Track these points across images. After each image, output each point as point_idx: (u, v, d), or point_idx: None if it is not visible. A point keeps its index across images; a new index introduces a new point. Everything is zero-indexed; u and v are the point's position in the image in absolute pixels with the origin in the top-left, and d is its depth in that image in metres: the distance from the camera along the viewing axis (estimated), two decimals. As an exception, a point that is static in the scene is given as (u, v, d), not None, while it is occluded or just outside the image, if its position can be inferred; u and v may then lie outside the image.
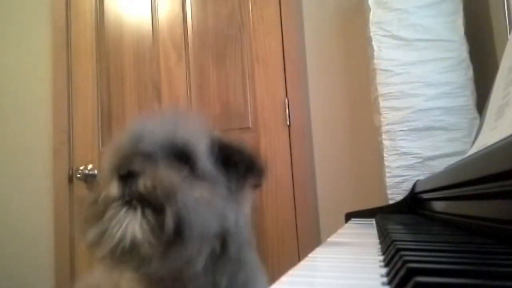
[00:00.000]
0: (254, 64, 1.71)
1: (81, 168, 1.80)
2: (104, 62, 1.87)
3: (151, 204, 0.54)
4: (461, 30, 1.22)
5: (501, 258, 0.31)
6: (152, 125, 0.61)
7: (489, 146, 0.48)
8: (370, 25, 1.28)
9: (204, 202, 0.56)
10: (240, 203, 0.63)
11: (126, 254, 0.53)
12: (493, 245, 0.39)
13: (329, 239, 0.60)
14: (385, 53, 1.25)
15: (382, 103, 1.25)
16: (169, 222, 0.52)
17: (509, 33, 1.06)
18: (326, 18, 1.67)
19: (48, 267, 1.80)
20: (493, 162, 0.38)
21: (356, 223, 0.93)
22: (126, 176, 0.55)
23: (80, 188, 1.82)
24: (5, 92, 1.95)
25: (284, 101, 1.66)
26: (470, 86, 1.20)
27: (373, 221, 0.92)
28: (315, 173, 1.63)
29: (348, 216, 1.10)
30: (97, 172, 1.79)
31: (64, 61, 1.89)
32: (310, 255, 0.44)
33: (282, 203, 1.61)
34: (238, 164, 0.62)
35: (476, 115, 1.18)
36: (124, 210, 0.54)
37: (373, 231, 0.70)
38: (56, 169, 1.83)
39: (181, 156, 0.58)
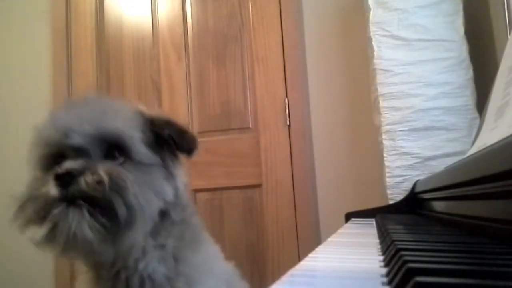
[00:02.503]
0: (254, 64, 1.71)
1: (81, 168, 1.80)
2: (104, 62, 1.87)
3: (95, 201, 0.54)
4: (461, 30, 1.22)
5: (501, 258, 0.31)
6: (79, 115, 0.60)
7: (489, 146, 0.48)
8: (370, 25, 1.28)
9: (145, 185, 0.58)
10: (176, 176, 0.65)
11: (77, 250, 0.55)
12: (493, 245, 0.39)
13: (329, 239, 0.60)
14: (385, 53, 1.25)
15: (382, 103, 1.25)
16: (122, 214, 0.54)
17: (509, 33, 1.06)
18: (326, 18, 1.67)
19: (48, 267, 1.80)
20: (493, 162, 0.38)
21: (356, 223, 0.93)
22: (64, 175, 0.54)
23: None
24: (5, 92, 1.95)
25: (284, 101, 1.66)
26: (470, 86, 1.20)
27: (373, 221, 0.92)
28: (315, 173, 1.63)
29: (348, 216, 1.10)
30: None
31: (64, 61, 1.89)
32: (310, 255, 0.43)
33: (282, 203, 1.61)
34: (169, 138, 0.64)
35: (476, 115, 1.18)
36: (70, 211, 0.53)
37: (373, 231, 0.70)
38: (56, 169, 1.83)
39: (114, 146, 0.59)
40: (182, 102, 1.76)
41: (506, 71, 0.64)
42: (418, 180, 1.08)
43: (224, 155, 1.69)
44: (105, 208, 0.54)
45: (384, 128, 1.24)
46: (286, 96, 1.66)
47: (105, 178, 0.54)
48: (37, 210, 0.56)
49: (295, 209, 1.60)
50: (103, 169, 0.55)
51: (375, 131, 1.33)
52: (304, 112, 1.65)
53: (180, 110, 1.75)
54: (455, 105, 1.20)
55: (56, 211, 0.54)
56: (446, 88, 1.20)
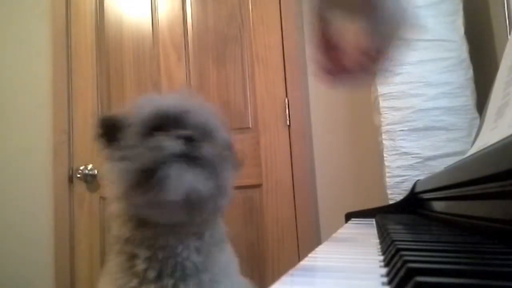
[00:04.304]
0: (254, 64, 1.71)
1: (81, 168, 1.80)
2: (104, 62, 1.87)
3: (208, 165, 0.64)
4: (461, 30, 1.22)
5: (501, 258, 0.31)
6: (187, 104, 0.70)
7: (489, 146, 0.48)
8: (370, 25, 1.28)
9: (228, 170, 0.70)
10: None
11: (186, 203, 0.61)
12: (493, 245, 0.39)
13: (329, 239, 0.60)
14: (385, 53, 1.25)
15: (382, 103, 1.25)
16: (220, 183, 0.65)
17: (509, 33, 1.06)
18: (326, 18, 1.67)
19: (48, 267, 1.80)
20: (493, 162, 0.38)
21: (356, 223, 0.93)
22: (185, 137, 0.63)
23: (80, 188, 1.82)
24: (5, 92, 1.95)
25: (284, 101, 1.66)
26: (470, 86, 1.20)
27: (373, 221, 0.92)
28: (315, 173, 1.63)
29: (348, 216, 1.10)
30: (97, 172, 1.79)
31: (64, 61, 1.89)
32: (310, 255, 0.43)
33: (282, 203, 1.61)
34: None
35: (476, 115, 1.18)
36: (190, 167, 0.62)
37: (373, 231, 0.70)
38: (56, 169, 1.83)
39: (209, 138, 0.69)
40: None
41: (506, 71, 0.64)
42: (418, 180, 1.08)
43: (224, 155, 1.68)
44: (214, 175, 0.64)
45: (384, 128, 1.24)
46: (286, 96, 1.66)
47: (226, 152, 0.67)
48: (161, 158, 0.61)
49: (295, 209, 1.60)
50: (215, 146, 0.66)
51: (375, 131, 1.33)
52: (304, 112, 1.65)
53: (180, 110, 1.75)
54: (455, 105, 1.20)
55: (176, 164, 0.61)
56: (446, 88, 1.20)
